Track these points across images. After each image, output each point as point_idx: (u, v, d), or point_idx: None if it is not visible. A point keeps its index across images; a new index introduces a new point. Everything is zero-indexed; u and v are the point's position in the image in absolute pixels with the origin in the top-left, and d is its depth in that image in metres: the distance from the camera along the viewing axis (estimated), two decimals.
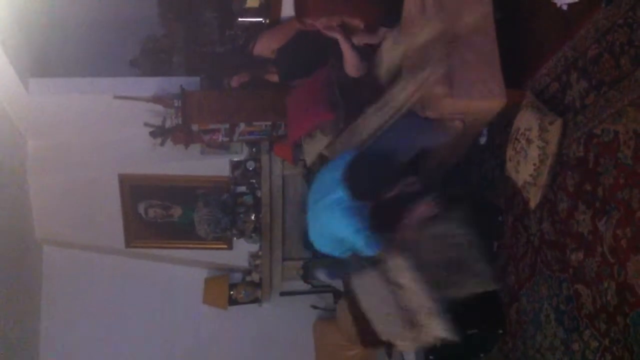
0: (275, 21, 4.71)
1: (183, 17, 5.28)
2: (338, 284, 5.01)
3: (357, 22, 3.96)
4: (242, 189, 5.44)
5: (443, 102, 3.72)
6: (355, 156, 3.48)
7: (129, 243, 5.58)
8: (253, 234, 5.48)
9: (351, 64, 3.95)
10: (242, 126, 4.84)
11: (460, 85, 3.67)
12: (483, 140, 4.28)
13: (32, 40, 4.96)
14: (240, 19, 4.78)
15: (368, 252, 3.50)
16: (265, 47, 4.59)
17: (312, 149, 4.41)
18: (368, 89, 4.01)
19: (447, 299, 3.46)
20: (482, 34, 3.75)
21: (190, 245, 5.61)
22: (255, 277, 5.68)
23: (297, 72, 4.46)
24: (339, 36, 3.88)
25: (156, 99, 4.84)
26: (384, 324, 3.65)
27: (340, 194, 3.45)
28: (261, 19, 4.77)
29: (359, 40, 3.97)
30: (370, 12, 3.94)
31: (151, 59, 5.42)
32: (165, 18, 5.37)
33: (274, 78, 4.68)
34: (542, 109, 3.56)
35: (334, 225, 3.54)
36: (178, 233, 5.58)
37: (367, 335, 3.91)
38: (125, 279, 5.65)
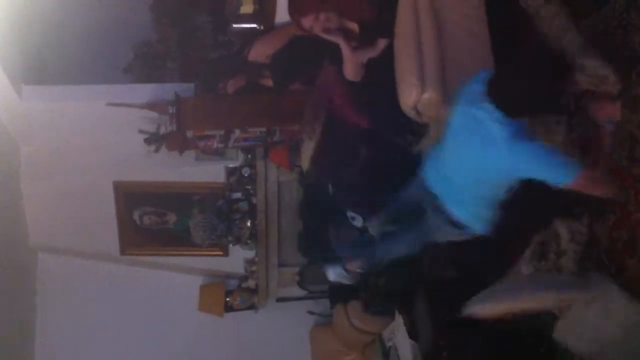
0: (270, 27, 4.70)
1: (177, 23, 5.27)
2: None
3: (353, 25, 3.93)
4: (238, 195, 5.44)
5: (438, 107, 3.69)
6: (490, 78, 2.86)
7: (124, 250, 5.57)
8: (249, 240, 5.47)
9: (352, 68, 3.92)
10: (237, 132, 4.82)
11: (455, 87, 3.63)
12: None
13: (26, 47, 4.94)
14: (234, 25, 4.78)
15: (565, 179, 2.72)
16: (260, 52, 4.58)
17: (306, 155, 4.42)
18: (365, 91, 4.00)
19: None
20: (475, 36, 3.74)
21: (186, 252, 5.59)
22: (251, 283, 5.67)
23: (291, 76, 4.45)
24: (340, 40, 3.85)
25: (150, 106, 4.82)
26: None
27: (496, 128, 2.79)
28: (255, 25, 4.76)
29: (362, 57, 3.92)
30: (363, 10, 3.91)
31: (145, 65, 5.41)
32: (159, 24, 5.37)
33: (269, 83, 4.67)
34: None
35: (507, 165, 2.83)
36: (173, 240, 5.57)
37: None
38: (121, 287, 5.61)
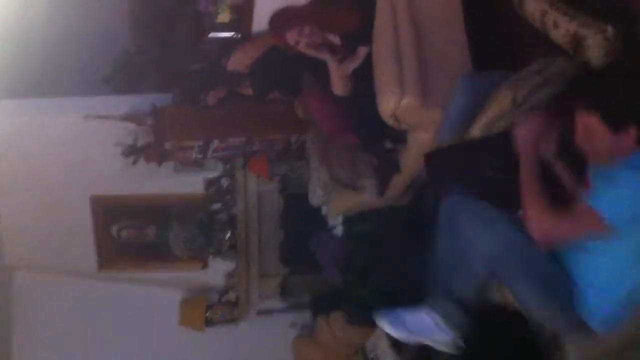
0: (247, 35, 4.69)
1: (155, 33, 5.24)
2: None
3: (335, 38, 3.93)
4: (217, 206, 5.41)
5: (416, 113, 3.67)
6: None
7: (102, 266, 5.51)
8: (229, 252, 5.44)
9: (341, 84, 3.92)
10: (216, 142, 4.81)
11: (434, 94, 3.63)
12: None
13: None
14: (211, 35, 4.76)
15: None
16: (239, 62, 4.55)
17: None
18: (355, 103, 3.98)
19: None
20: (453, 42, 3.75)
21: (166, 266, 5.55)
22: (231, 296, 5.63)
23: (271, 86, 4.45)
24: (326, 56, 3.85)
25: (128, 117, 4.80)
26: None
27: None
28: (233, 34, 4.75)
29: (348, 70, 3.91)
30: (345, 22, 3.91)
31: (123, 77, 5.36)
32: (138, 34, 5.33)
33: (249, 92, 4.66)
34: None
35: None
36: (153, 254, 5.53)
37: None
38: (100, 303, 5.52)
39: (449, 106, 3.44)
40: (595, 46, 2.96)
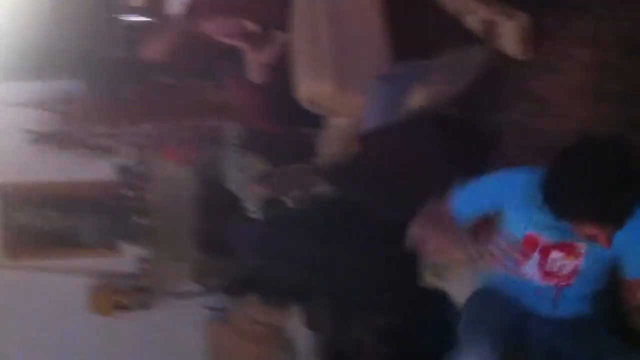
0: (161, 19, 4.65)
1: (66, 18, 5.11)
2: None
3: (252, 26, 3.97)
4: (130, 192, 5.35)
5: (333, 97, 3.76)
6: None
7: (9, 255, 5.39)
8: (141, 238, 5.40)
9: (258, 71, 3.96)
10: (129, 129, 4.77)
11: (351, 79, 3.67)
12: None
13: None
14: (125, 19, 4.70)
15: None
16: (154, 49, 4.51)
17: None
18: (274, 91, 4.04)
19: None
20: (369, 25, 3.83)
21: (76, 254, 5.47)
22: (144, 281, 5.59)
23: (193, 72, 4.44)
24: (243, 45, 3.89)
25: (38, 104, 4.71)
26: None
27: None
28: (146, 18, 4.70)
29: (266, 58, 3.96)
30: (265, 11, 3.96)
31: (33, 63, 5.21)
32: (48, 20, 5.19)
33: (168, 81, 4.64)
34: None
35: None
36: (62, 242, 5.45)
37: None
38: (8, 293, 5.38)
39: (369, 101, 3.55)
40: (508, 33, 3.13)
